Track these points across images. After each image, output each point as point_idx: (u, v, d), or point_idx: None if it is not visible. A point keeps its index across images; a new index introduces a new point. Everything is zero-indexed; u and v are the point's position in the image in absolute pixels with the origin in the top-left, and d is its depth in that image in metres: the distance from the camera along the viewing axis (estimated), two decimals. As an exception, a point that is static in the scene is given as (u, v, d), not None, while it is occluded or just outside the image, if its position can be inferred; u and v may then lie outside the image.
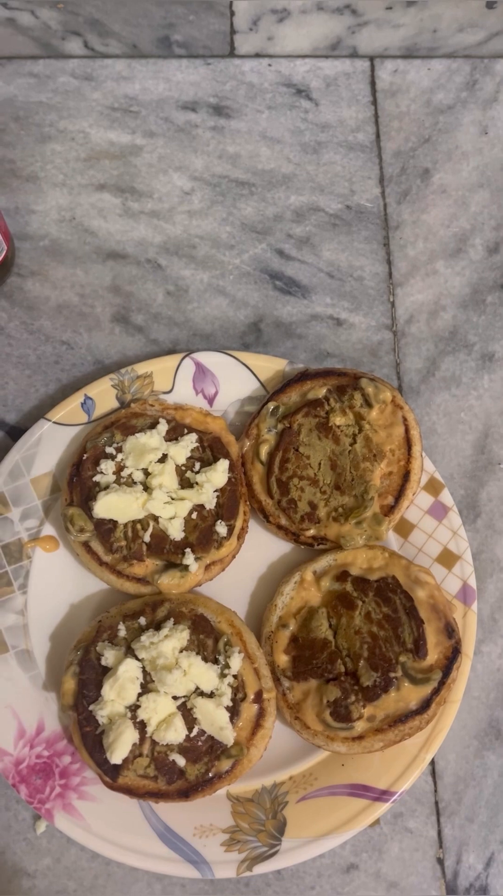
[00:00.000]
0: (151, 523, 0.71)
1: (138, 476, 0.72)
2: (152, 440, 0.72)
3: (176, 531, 0.71)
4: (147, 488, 0.71)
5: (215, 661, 0.68)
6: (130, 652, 0.67)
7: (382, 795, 0.69)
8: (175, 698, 0.66)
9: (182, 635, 0.67)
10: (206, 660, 0.68)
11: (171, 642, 0.66)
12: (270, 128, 0.91)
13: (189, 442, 0.73)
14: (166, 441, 0.73)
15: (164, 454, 0.72)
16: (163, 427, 0.73)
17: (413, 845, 0.73)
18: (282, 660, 0.71)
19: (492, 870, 0.73)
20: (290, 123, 0.91)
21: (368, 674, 0.68)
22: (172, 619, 0.68)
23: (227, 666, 0.67)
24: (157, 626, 0.68)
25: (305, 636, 0.71)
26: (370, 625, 0.69)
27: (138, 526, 0.71)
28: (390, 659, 0.68)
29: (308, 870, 0.72)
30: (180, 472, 0.73)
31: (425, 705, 0.67)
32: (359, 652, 0.68)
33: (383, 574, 0.71)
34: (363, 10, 0.88)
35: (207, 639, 0.69)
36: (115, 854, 0.67)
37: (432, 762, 0.74)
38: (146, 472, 0.71)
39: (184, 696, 0.67)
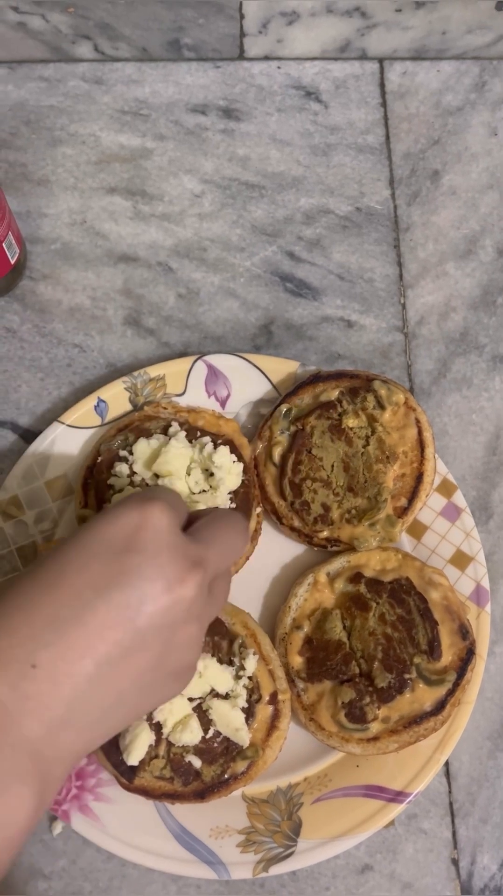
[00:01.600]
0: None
1: (150, 479, 0.72)
2: (175, 447, 0.72)
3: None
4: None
5: (230, 663, 0.68)
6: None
7: (397, 797, 0.69)
8: (191, 700, 0.67)
9: None
10: (220, 661, 0.68)
11: None
12: (280, 130, 0.91)
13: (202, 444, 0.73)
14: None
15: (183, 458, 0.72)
16: (181, 433, 0.73)
17: (427, 846, 0.73)
18: (297, 661, 0.71)
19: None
20: (300, 126, 0.91)
21: (383, 675, 0.68)
22: None
23: (241, 668, 0.68)
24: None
25: (319, 638, 0.71)
26: (384, 626, 0.69)
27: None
28: (404, 660, 0.68)
29: (323, 871, 0.72)
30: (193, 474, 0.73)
31: (440, 706, 0.67)
32: (373, 653, 0.69)
33: (397, 576, 0.71)
34: (372, 12, 0.89)
35: (222, 640, 0.69)
36: (131, 855, 0.67)
37: (446, 763, 0.75)
38: (156, 476, 0.71)
39: (199, 698, 0.67)
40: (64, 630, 0.44)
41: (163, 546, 0.48)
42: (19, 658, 0.43)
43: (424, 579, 0.71)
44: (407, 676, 0.68)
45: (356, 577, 0.72)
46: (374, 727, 0.68)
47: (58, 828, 0.71)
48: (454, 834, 0.73)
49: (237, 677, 0.68)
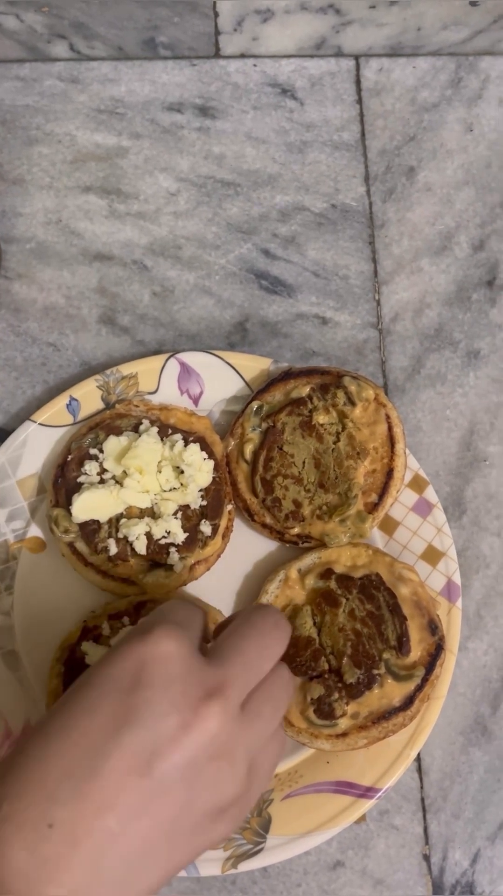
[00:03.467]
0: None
1: (120, 476, 0.72)
2: (146, 442, 0.72)
3: (161, 531, 0.71)
4: (118, 482, 0.72)
5: None
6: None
7: (367, 792, 0.69)
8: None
9: None
10: None
11: None
12: (256, 128, 0.91)
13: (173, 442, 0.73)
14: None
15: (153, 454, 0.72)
16: (153, 429, 0.73)
17: (399, 842, 0.73)
18: None
19: (478, 866, 0.73)
20: (276, 123, 0.91)
21: (352, 671, 0.68)
22: None
23: None
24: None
25: (292, 634, 0.71)
26: (354, 622, 0.69)
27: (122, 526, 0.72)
28: (373, 656, 0.68)
29: (294, 867, 0.72)
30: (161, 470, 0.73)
31: (409, 702, 0.67)
32: (342, 649, 0.69)
33: (367, 571, 0.71)
34: (347, 9, 0.89)
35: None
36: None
37: (418, 759, 0.75)
38: (125, 473, 0.72)
39: None
40: (78, 783, 0.41)
41: (173, 676, 0.44)
42: (34, 818, 0.40)
43: (394, 575, 0.71)
44: (375, 672, 0.68)
45: (327, 573, 0.72)
46: (343, 723, 0.68)
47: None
48: (426, 830, 0.73)
49: None
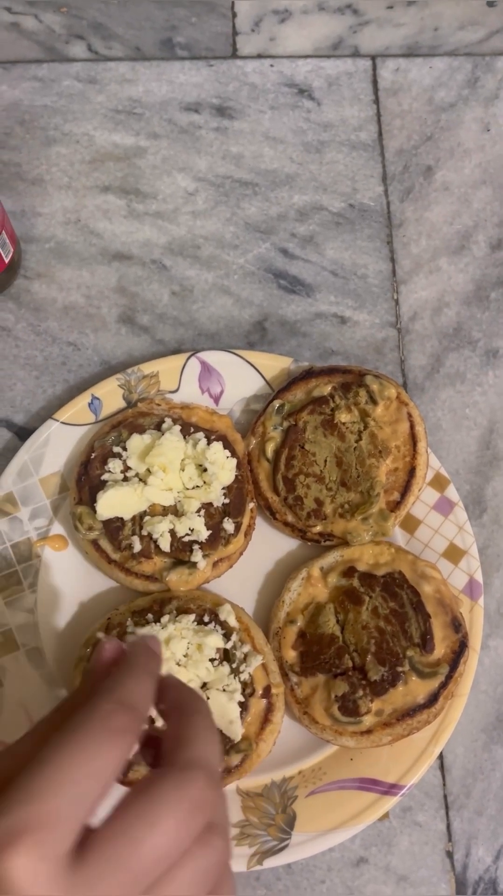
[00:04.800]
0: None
1: (144, 473, 0.72)
2: (170, 440, 0.72)
3: (184, 528, 0.72)
4: (142, 479, 0.72)
5: (228, 658, 0.69)
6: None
7: (391, 789, 0.69)
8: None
9: (179, 626, 0.67)
10: (220, 658, 0.69)
11: (167, 633, 0.67)
12: (273, 128, 0.91)
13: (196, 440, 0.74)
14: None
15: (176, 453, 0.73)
16: (175, 427, 0.74)
17: (422, 839, 0.73)
18: (290, 655, 0.71)
19: (501, 862, 0.73)
20: (293, 123, 0.91)
21: (376, 668, 0.68)
22: (174, 613, 0.69)
23: (244, 662, 0.68)
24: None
25: (313, 632, 0.71)
26: (377, 620, 0.70)
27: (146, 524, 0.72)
28: (397, 653, 0.68)
29: (318, 864, 0.72)
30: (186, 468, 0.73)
31: (433, 699, 0.68)
32: (366, 647, 0.69)
33: (390, 569, 0.71)
34: (364, 9, 0.89)
35: (219, 634, 0.69)
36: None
37: (440, 756, 0.75)
38: (149, 471, 0.72)
39: (198, 689, 0.67)
40: None
41: None
42: None
43: (417, 573, 0.71)
44: (399, 669, 0.68)
45: (349, 572, 0.72)
46: (368, 720, 0.68)
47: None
48: (449, 826, 0.74)
49: (235, 672, 0.68)
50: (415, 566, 0.71)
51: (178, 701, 0.43)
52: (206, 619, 0.69)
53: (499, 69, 0.94)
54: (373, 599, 0.70)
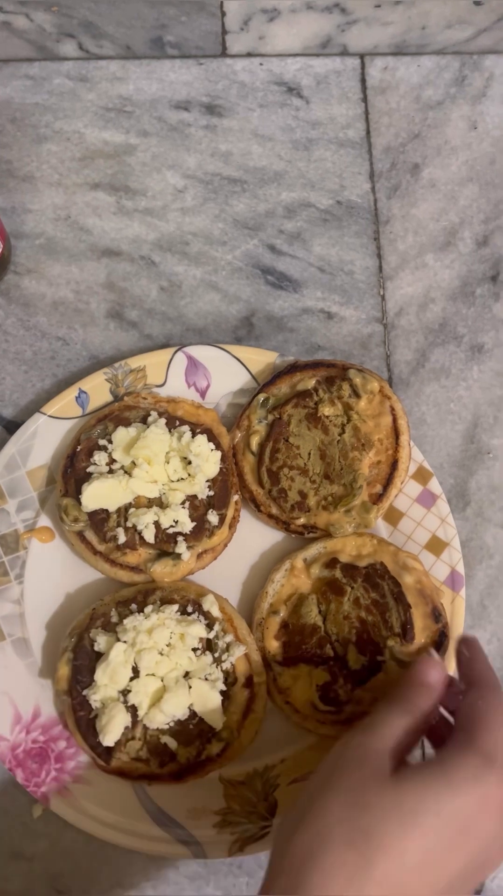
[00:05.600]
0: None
1: (129, 466, 0.73)
2: (155, 433, 0.73)
3: (169, 520, 0.72)
4: (127, 472, 0.73)
5: (210, 648, 0.69)
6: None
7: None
8: (166, 679, 0.68)
9: (162, 615, 0.68)
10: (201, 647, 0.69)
11: (150, 623, 0.68)
12: (262, 126, 0.92)
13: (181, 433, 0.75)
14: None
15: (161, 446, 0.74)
16: (161, 420, 0.75)
17: (403, 828, 0.74)
18: (273, 646, 0.72)
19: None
20: (282, 121, 0.92)
21: (357, 657, 0.69)
22: (158, 603, 0.70)
23: (226, 651, 0.69)
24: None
25: (295, 622, 0.72)
26: (359, 610, 0.70)
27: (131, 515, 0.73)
28: (378, 643, 0.69)
29: (300, 852, 0.73)
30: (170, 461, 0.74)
31: None
32: (347, 636, 0.70)
33: (372, 560, 0.72)
34: (352, 8, 0.90)
35: (201, 624, 0.70)
36: (108, 836, 0.69)
37: (422, 746, 0.75)
38: (134, 463, 0.73)
39: (180, 678, 0.68)
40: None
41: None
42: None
43: (398, 564, 0.72)
44: (380, 658, 0.69)
45: (332, 563, 0.73)
46: (348, 709, 0.69)
47: (38, 810, 0.72)
48: (430, 816, 0.74)
49: (218, 661, 0.69)
50: (396, 557, 0.72)
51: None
52: (190, 609, 0.70)
53: (486, 67, 0.95)
54: (354, 590, 0.71)
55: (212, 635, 0.69)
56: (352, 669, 0.69)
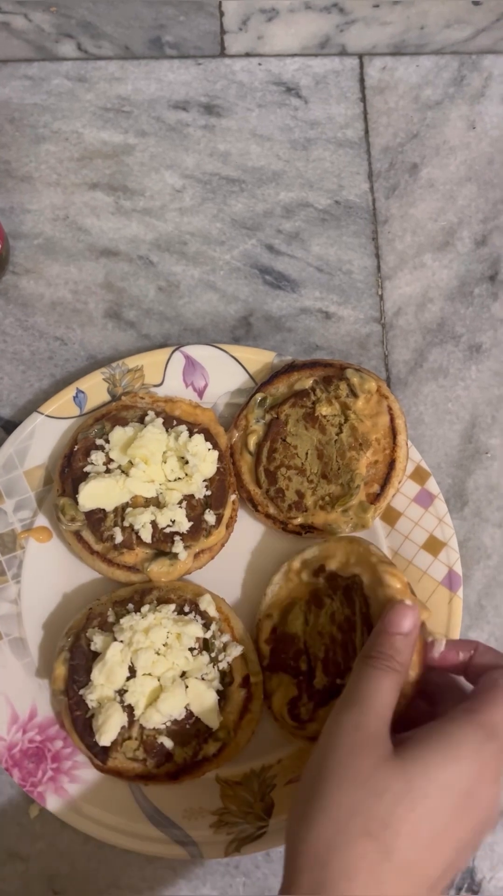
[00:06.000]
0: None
1: (126, 465, 0.73)
2: (152, 432, 0.73)
3: (166, 520, 0.72)
4: (124, 471, 0.73)
5: (207, 648, 0.69)
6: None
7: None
8: (163, 679, 0.68)
9: (159, 615, 0.68)
10: (199, 647, 0.69)
11: (146, 622, 0.68)
12: (260, 126, 0.92)
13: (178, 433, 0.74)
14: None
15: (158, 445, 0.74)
16: (158, 420, 0.75)
17: (401, 828, 0.74)
18: (265, 649, 0.71)
19: (478, 852, 0.73)
20: (280, 121, 0.92)
21: (321, 676, 0.67)
22: (155, 602, 0.70)
23: (223, 651, 0.69)
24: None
25: (282, 629, 0.71)
26: (332, 626, 0.68)
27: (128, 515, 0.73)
28: (340, 665, 0.66)
29: (297, 852, 0.73)
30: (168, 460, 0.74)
31: None
32: (317, 653, 0.68)
33: (356, 571, 0.67)
34: (351, 8, 0.90)
35: (198, 624, 0.70)
36: (105, 836, 0.69)
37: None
38: (131, 463, 0.73)
39: (177, 678, 0.68)
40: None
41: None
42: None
43: (375, 579, 0.65)
44: (339, 682, 0.66)
45: (319, 570, 0.70)
46: (311, 727, 0.67)
47: (34, 810, 0.72)
48: (427, 816, 0.74)
49: (214, 661, 0.69)
50: (375, 571, 0.65)
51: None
52: (187, 609, 0.70)
53: (484, 67, 0.95)
54: (332, 603, 0.68)
55: (208, 635, 0.69)
56: (315, 688, 0.67)
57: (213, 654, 0.69)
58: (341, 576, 0.69)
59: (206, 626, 0.70)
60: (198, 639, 0.69)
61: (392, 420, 0.74)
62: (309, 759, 0.56)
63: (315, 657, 0.68)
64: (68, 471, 0.74)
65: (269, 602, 0.73)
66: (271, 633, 0.71)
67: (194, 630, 0.68)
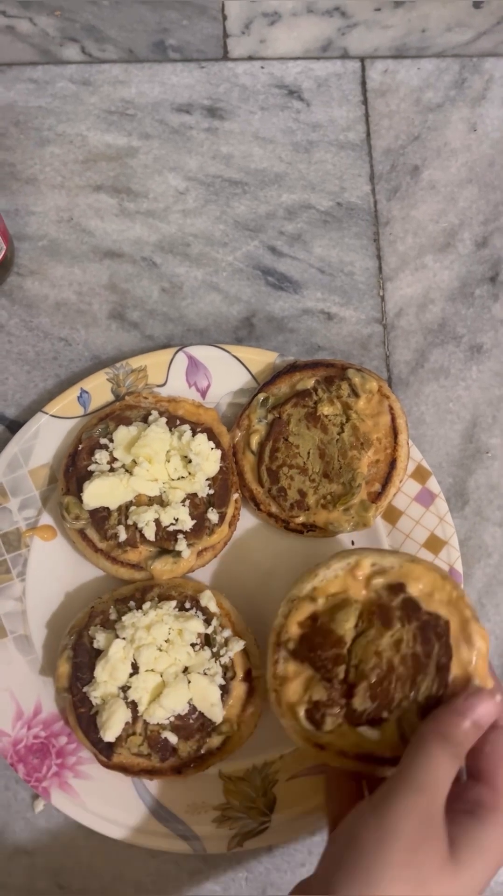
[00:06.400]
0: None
1: (129, 465, 0.74)
2: (155, 431, 0.74)
3: (169, 518, 0.73)
4: (128, 470, 0.74)
5: (209, 643, 0.70)
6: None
7: (370, 774, 0.70)
8: (165, 674, 0.68)
9: (160, 612, 0.69)
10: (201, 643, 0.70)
11: (148, 619, 0.69)
12: (263, 128, 0.93)
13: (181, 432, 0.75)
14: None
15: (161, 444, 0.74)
16: (161, 419, 0.75)
17: (402, 824, 0.74)
18: (293, 630, 0.65)
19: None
20: (283, 124, 0.93)
21: (364, 699, 0.62)
22: (156, 599, 0.71)
23: (224, 646, 0.70)
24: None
25: (326, 621, 0.65)
26: (395, 653, 0.62)
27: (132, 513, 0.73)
28: (393, 699, 0.61)
29: (299, 847, 0.73)
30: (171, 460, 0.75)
31: (397, 761, 0.58)
32: (367, 671, 0.62)
33: (439, 612, 0.63)
34: (352, 11, 0.91)
35: (199, 619, 0.71)
36: (110, 830, 0.69)
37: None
38: (135, 462, 0.73)
39: (179, 673, 0.69)
40: None
41: None
42: None
43: (464, 632, 0.62)
44: (384, 715, 0.61)
45: (397, 588, 0.64)
46: (325, 738, 0.63)
47: (39, 805, 0.73)
48: (428, 812, 0.75)
49: (216, 656, 0.69)
50: (466, 625, 0.62)
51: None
52: (188, 605, 0.71)
53: (485, 70, 0.95)
54: (403, 630, 0.63)
55: (209, 630, 0.70)
56: (352, 707, 0.62)
57: (214, 650, 0.70)
58: (423, 609, 0.63)
59: (208, 622, 0.70)
60: (199, 634, 0.70)
61: (393, 420, 0.75)
62: (356, 819, 0.54)
63: (360, 674, 0.62)
64: (73, 470, 0.75)
65: (317, 585, 0.66)
66: (309, 619, 0.65)
67: (195, 626, 0.69)
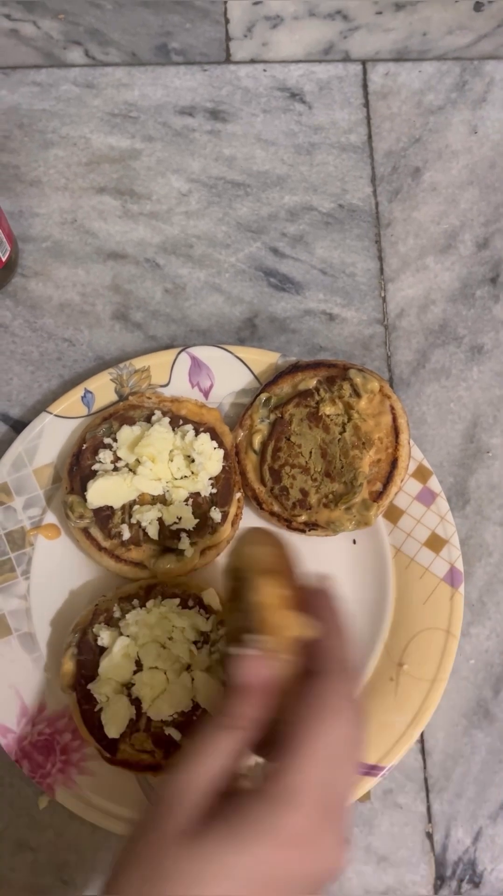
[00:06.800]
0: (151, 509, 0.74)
1: (133, 464, 0.75)
2: (158, 431, 0.75)
3: (172, 517, 0.74)
4: (131, 469, 0.74)
5: (209, 640, 0.71)
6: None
7: (371, 770, 0.71)
8: (169, 672, 0.69)
9: (163, 609, 0.70)
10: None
11: (151, 617, 0.69)
12: (265, 130, 0.94)
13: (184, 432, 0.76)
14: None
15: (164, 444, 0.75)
16: (164, 419, 0.76)
17: (403, 820, 0.75)
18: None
19: (479, 844, 0.75)
20: (285, 126, 0.94)
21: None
22: (159, 597, 0.71)
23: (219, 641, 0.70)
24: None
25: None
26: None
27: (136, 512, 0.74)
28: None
29: (301, 844, 0.74)
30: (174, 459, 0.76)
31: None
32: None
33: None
34: (354, 15, 0.91)
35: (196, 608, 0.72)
36: (113, 826, 0.70)
37: (422, 740, 0.77)
38: (138, 461, 0.74)
39: (182, 670, 0.69)
40: None
41: None
42: None
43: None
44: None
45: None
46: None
47: (44, 801, 0.74)
48: (429, 809, 0.75)
49: (219, 653, 0.70)
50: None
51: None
52: (191, 603, 0.71)
53: (486, 73, 0.96)
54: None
55: (209, 628, 0.70)
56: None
57: (217, 647, 0.70)
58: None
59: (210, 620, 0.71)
60: (201, 632, 0.70)
61: (394, 419, 0.76)
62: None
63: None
64: (77, 469, 0.76)
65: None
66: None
67: (198, 623, 0.70)
